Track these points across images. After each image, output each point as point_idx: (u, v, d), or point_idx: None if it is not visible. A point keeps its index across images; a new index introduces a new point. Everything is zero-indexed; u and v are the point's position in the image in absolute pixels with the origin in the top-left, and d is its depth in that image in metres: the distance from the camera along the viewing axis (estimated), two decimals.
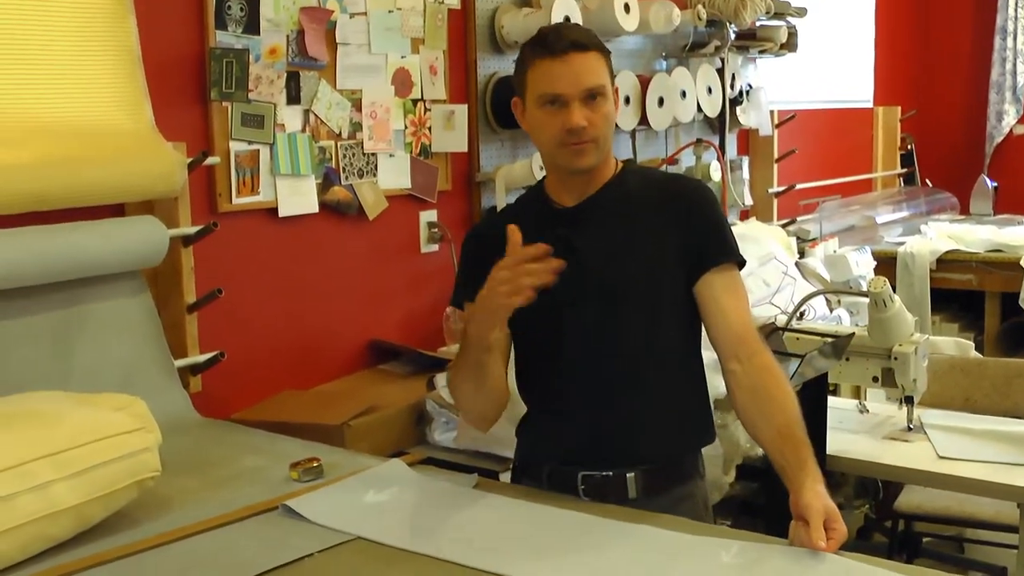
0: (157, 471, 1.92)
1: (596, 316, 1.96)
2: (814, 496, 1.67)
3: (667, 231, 1.98)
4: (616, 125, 2.19)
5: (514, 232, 1.78)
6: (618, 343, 1.98)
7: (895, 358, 2.76)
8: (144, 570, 1.71)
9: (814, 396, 2.66)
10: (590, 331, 1.97)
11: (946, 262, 5.09)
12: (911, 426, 2.87)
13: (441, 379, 2.76)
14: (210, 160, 2.66)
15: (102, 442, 1.83)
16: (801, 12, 4.86)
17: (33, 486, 1.72)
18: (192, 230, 2.60)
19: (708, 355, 2.06)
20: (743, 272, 2.04)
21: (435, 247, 3.39)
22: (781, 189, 5.07)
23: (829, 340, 2.81)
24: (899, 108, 6.34)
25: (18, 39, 2.32)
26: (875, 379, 2.84)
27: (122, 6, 2.49)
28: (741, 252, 2.03)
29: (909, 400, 2.83)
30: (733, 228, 2.10)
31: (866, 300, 2.87)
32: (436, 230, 3.37)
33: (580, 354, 1.97)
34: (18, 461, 1.72)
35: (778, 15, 4.69)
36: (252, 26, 2.79)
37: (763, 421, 1.86)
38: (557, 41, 1.93)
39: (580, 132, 1.92)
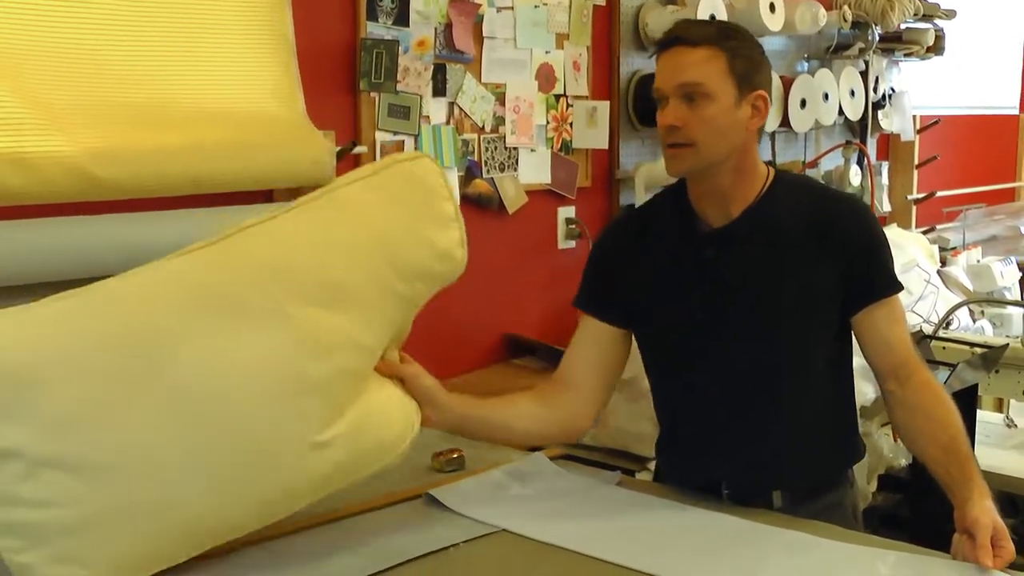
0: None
1: (744, 349, 1.87)
2: (982, 511, 1.61)
3: (822, 258, 1.86)
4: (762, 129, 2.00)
5: None
6: (767, 377, 1.89)
7: None
8: (293, 549, 1.73)
9: (963, 409, 2.57)
10: (738, 364, 1.88)
11: None
12: None
13: None
14: (358, 149, 2.70)
15: None
16: (950, 14, 4.71)
17: None
18: None
19: (857, 361, 1.99)
20: None
21: (572, 243, 3.38)
22: (921, 196, 4.93)
23: (979, 351, 2.72)
24: None
25: (182, 28, 2.37)
26: None
27: None
28: None
29: None
30: None
31: (1012, 311, 2.78)
32: (574, 226, 3.36)
33: (726, 387, 1.88)
34: None
35: (926, 17, 4.55)
36: (402, 18, 2.82)
37: (924, 438, 1.80)
38: (667, 34, 1.86)
39: (671, 132, 1.81)
